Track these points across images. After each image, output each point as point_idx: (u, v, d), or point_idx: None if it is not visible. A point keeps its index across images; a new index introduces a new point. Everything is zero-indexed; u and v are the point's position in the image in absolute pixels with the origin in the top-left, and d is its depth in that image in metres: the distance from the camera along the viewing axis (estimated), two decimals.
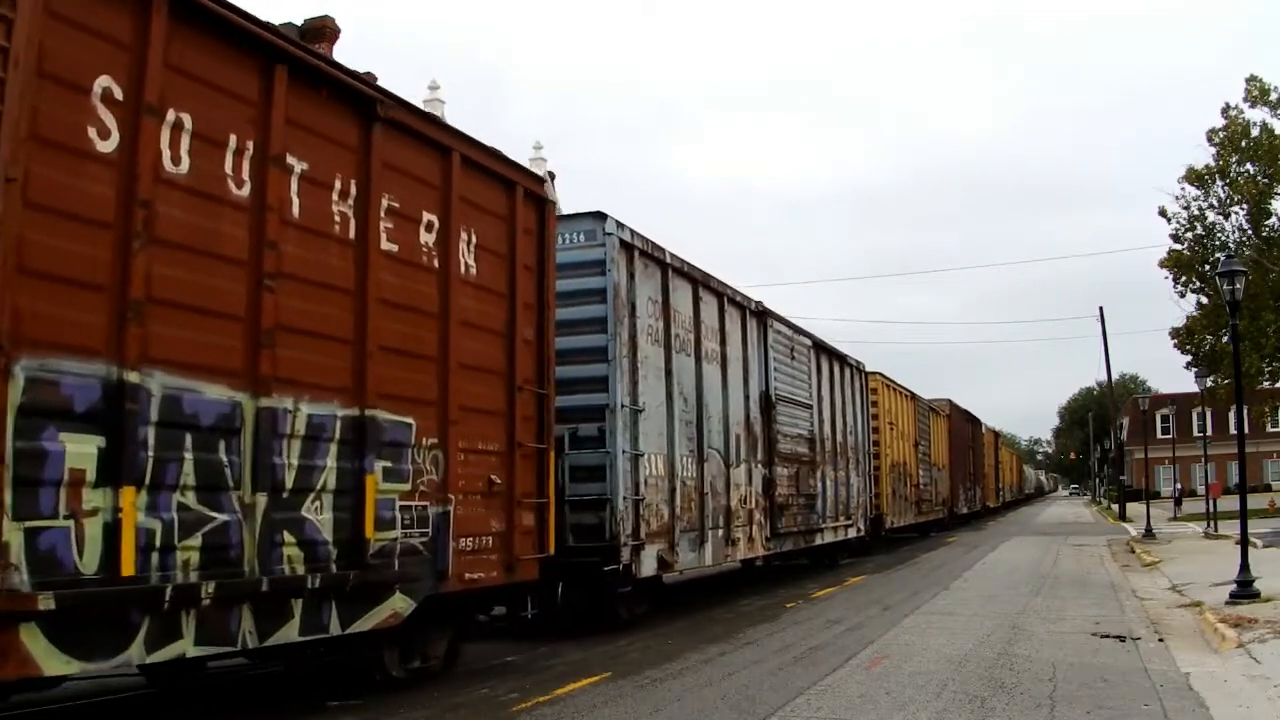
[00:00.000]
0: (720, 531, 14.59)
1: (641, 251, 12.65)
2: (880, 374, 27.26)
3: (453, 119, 31.33)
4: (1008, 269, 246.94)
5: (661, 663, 9.92)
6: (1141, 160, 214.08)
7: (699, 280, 14.53)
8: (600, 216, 12.11)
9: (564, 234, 11.78)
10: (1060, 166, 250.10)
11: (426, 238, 8.70)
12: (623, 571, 11.60)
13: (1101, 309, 47.43)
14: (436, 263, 8.78)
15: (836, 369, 21.89)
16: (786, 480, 17.57)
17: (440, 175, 8.91)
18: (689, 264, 14.16)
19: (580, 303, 11.82)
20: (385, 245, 8.11)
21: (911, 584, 18.00)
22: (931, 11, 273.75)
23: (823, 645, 10.84)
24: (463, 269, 9.12)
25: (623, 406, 11.84)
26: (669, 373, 13.20)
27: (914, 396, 31.63)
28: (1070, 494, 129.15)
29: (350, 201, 7.80)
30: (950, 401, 40.78)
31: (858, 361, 24.12)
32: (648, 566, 12.27)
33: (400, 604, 8.13)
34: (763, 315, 17.30)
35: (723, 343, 15.22)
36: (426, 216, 8.72)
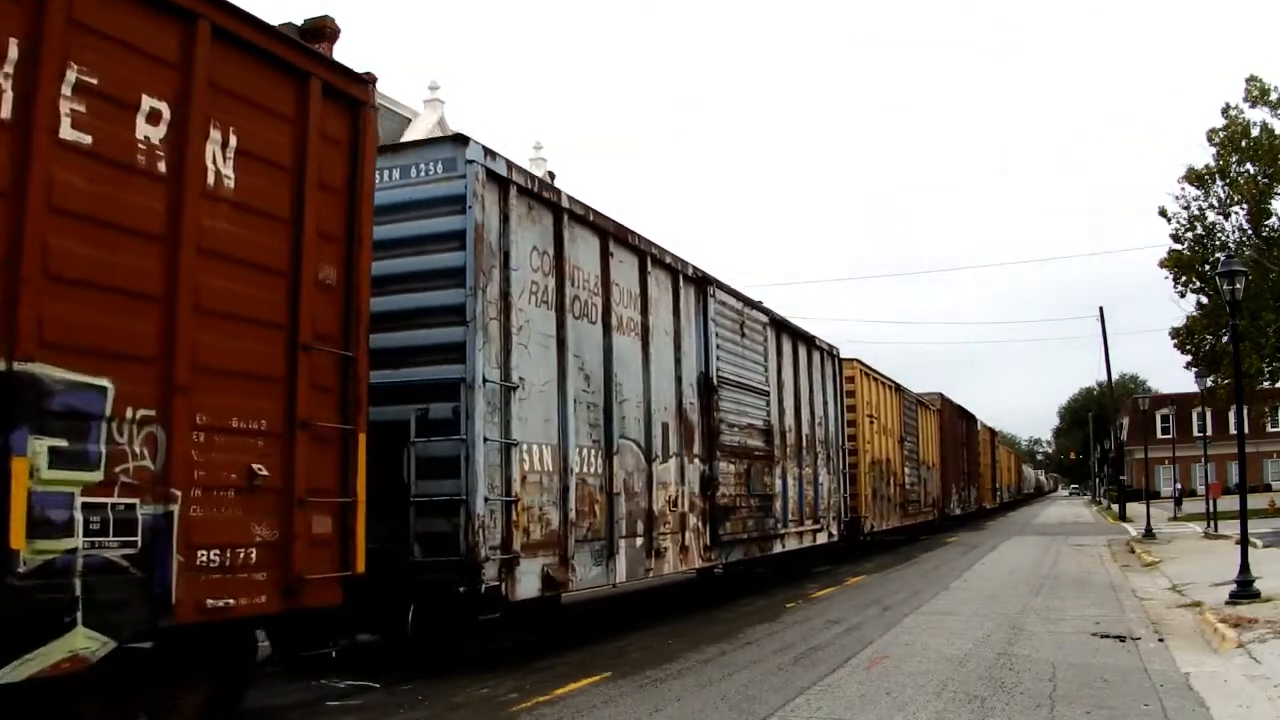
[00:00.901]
0: (639, 540, 11.89)
1: (522, 189, 9.96)
2: (858, 361, 24.72)
3: (453, 119, 30.92)
4: (1008, 269, 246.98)
5: (661, 663, 9.93)
6: (1142, 160, 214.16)
7: (610, 233, 11.67)
8: (461, 140, 9.60)
9: (417, 165, 9.65)
10: (1060, 166, 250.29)
11: (148, 131, 6.33)
12: (486, 593, 9.06)
13: (1101, 309, 47.40)
14: (164, 166, 6.41)
15: (803, 352, 19.20)
16: (734, 478, 14.86)
17: (178, 49, 6.55)
18: (596, 212, 11.45)
19: (433, 249, 9.37)
20: (68, 133, 5.80)
21: (911, 584, 18.00)
22: (930, 12, 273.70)
23: (822, 645, 10.84)
24: (211, 179, 6.70)
25: (486, 382, 9.16)
26: (562, 343, 10.48)
27: (899, 388, 29.08)
28: (1070, 494, 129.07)
29: (8, 67, 5.55)
30: (942, 395, 38.37)
31: (831, 346, 21.42)
32: (526, 586, 9.61)
33: (84, 643, 5.65)
34: (702, 283, 14.38)
35: (644, 311, 12.39)
36: (149, 103, 6.35)
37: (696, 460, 13.77)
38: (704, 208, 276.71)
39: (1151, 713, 7.51)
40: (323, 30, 18.48)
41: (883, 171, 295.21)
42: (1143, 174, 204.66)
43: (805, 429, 18.96)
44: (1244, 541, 14.55)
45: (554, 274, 10.54)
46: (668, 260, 13.38)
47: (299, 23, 18.46)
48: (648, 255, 12.68)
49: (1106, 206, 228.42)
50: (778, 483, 17.04)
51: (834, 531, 20.67)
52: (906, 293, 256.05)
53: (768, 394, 16.75)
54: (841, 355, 22.51)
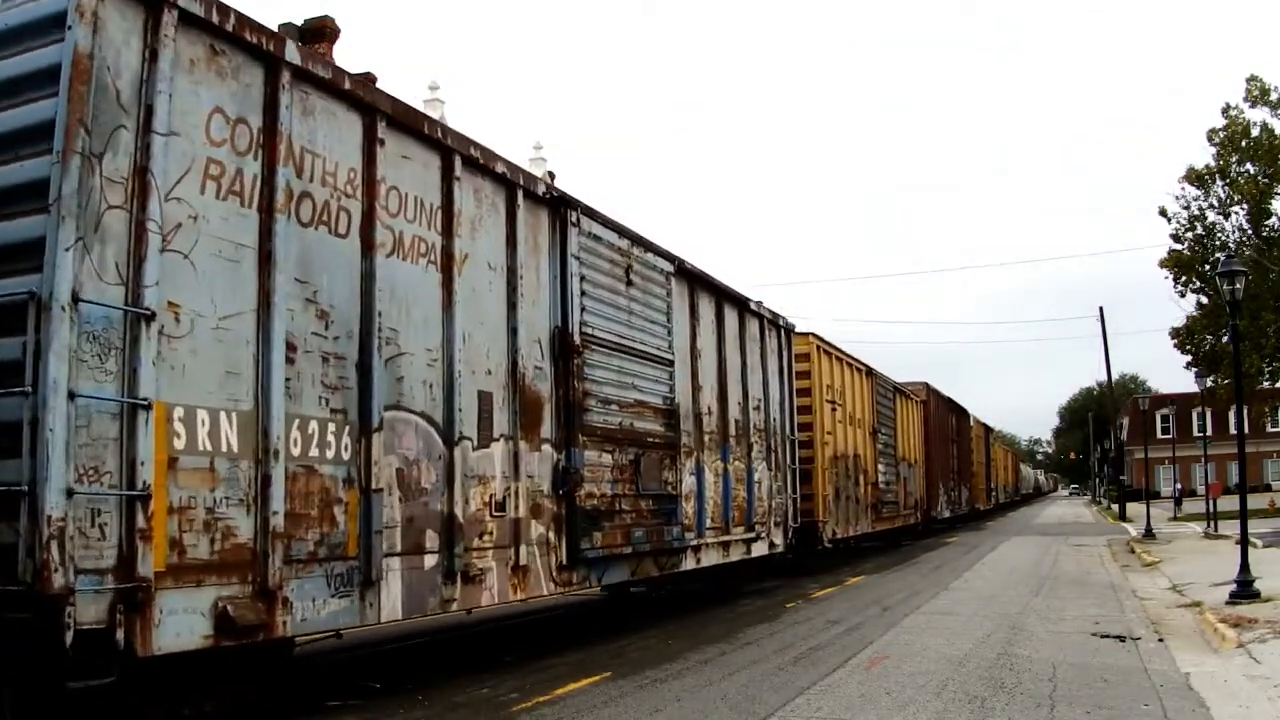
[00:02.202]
0: (429, 560, 8.31)
1: (192, 18, 6.56)
2: (815, 335, 20.72)
3: (453, 119, 31.01)
4: (1008, 269, 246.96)
5: (661, 662, 9.93)
6: (1142, 160, 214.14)
7: (383, 112, 8.15)
8: None
9: None
10: (1060, 166, 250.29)
11: None
12: (80, 644, 5.53)
13: (1101, 309, 47.45)
14: None
15: (732, 318, 15.51)
16: (611, 472, 11.22)
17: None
18: (358, 79, 8.21)
19: (16, 101, 6.06)
20: None
21: (911, 584, 18.00)
22: (930, 12, 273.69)
23: (822, 645, 10.84)
24: None
25: (82, 303, 5.76)
26: (267, 259, 7.03)
27: (871, 372, 25.26)
28: (1070, 494, 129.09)
29: None
30: (928, 385, 34.44)
31: (775, 314, 17.58)
32: (177, 632, 6.15)
33: None
34: (559, 206, 10.73)
35: (449, 233, 8.82)
36: None
37: (546, 446, 10.20)
38: (704, 208, 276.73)
39: (1151, 713, 7.50)
40: (323, 30, 18.52)
41: (883, 171, 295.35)
42: (1143, 174, 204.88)
43: (735, 413, 15.23)
44: (1244, 541, 14.54)
45: (260, 155, 7.08)
46: (498, 169, 9.62)
47: (299, 23, 18.49)
48: (457, 155, 8.94)
49: (1106, 206, 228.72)
50: (687, 479, 13.18)
51: (778, 540, 16.98)
52: (906, 293, 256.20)
53: (671, 364, 12.78)
54: (794, 328, 18.88)
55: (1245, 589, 13.28)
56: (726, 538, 14.65)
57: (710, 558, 14.12)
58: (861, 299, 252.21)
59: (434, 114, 32.36)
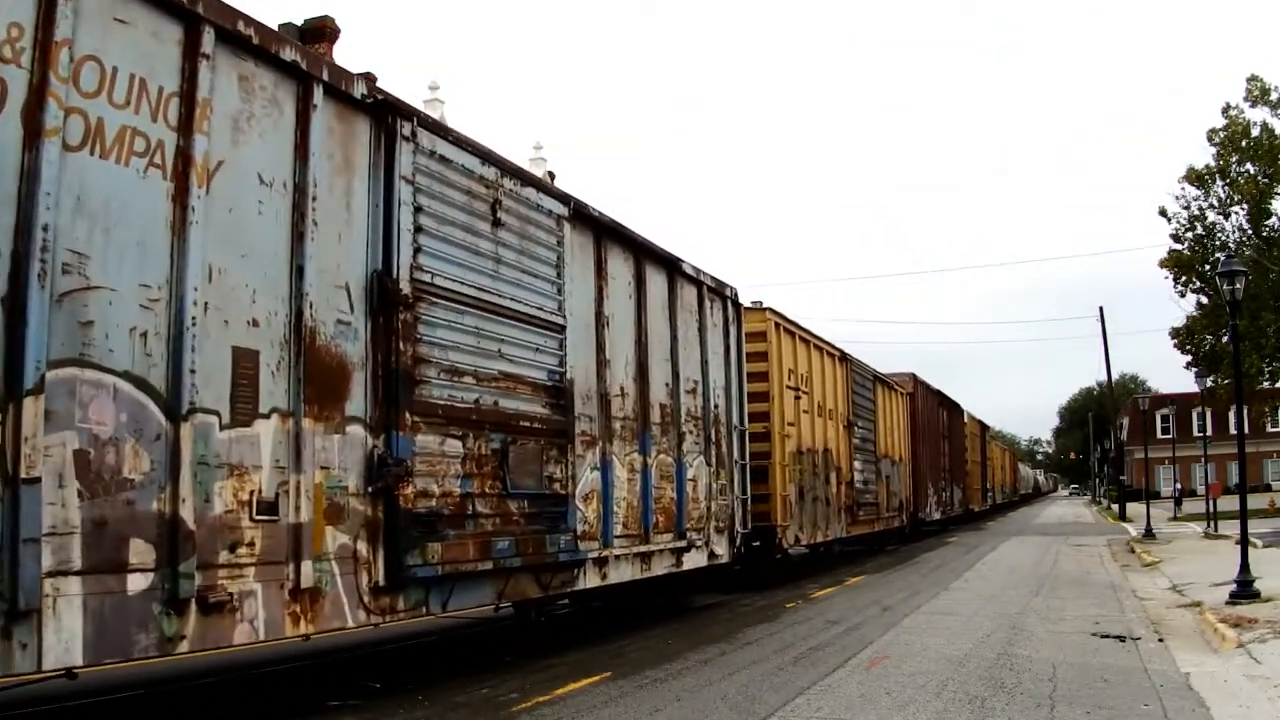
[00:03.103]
0: (134, 582, 5.91)
1: None
2: (774, 311, 17.87)
3: (453, 119, 31.06)
4: (1008, 269, 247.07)
5: (661, 662, 9.93)
6: (1142, 160, 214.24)
7: None
8: None
9: None
10: (1060, 166, 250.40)
11: None
12: None
13: (1101, 309, 47.53)
14: None
15: (656, 280, 12.81)
16: (460, 464, 8.62)
17: None
18: None
19: None
20: None
21: (911, 584, 18.00)
22: (930, 11, 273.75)
23: (822, 645, 10.84)
24: None
25: None
26: None
27: (846, 358, 22.47)
28: (1070, 494, 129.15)
29: None
30: (914, 376, 31.63)
31: (720, 282, 14.86)
32: None
33: None
34: (386, 114, 8.19)
35: (187, 129, 6.44)
36: None
37: (355, 428, 7.70)
38: (704, 208, 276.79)
39: (1151, 713, 7.51)
40: (323, 30, 18.52)
41: (883, 171, 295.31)
42: (1143, 174, 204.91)
43: (660, 396, 12.63)
44: (1244, 541, 14.55)
45: None
46: (285, 55, 7.21)
47: (299, 23, 18.50)
48: (208, 27, 6.56)
49: (1106, 206, 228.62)
50: (587, 476, 10.76)
51: (721, 550, 14.28)
52: (906, 293, 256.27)
53: (562, 330, 10.23)
54: (742, 300, 16.07)
55: (1245, 589, 13.29)
56: (646, 547, 11.93)
57: (622, 572, 11.45)
58: (861, 299, 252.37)
59: (434, 114, 32.36)
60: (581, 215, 11.05)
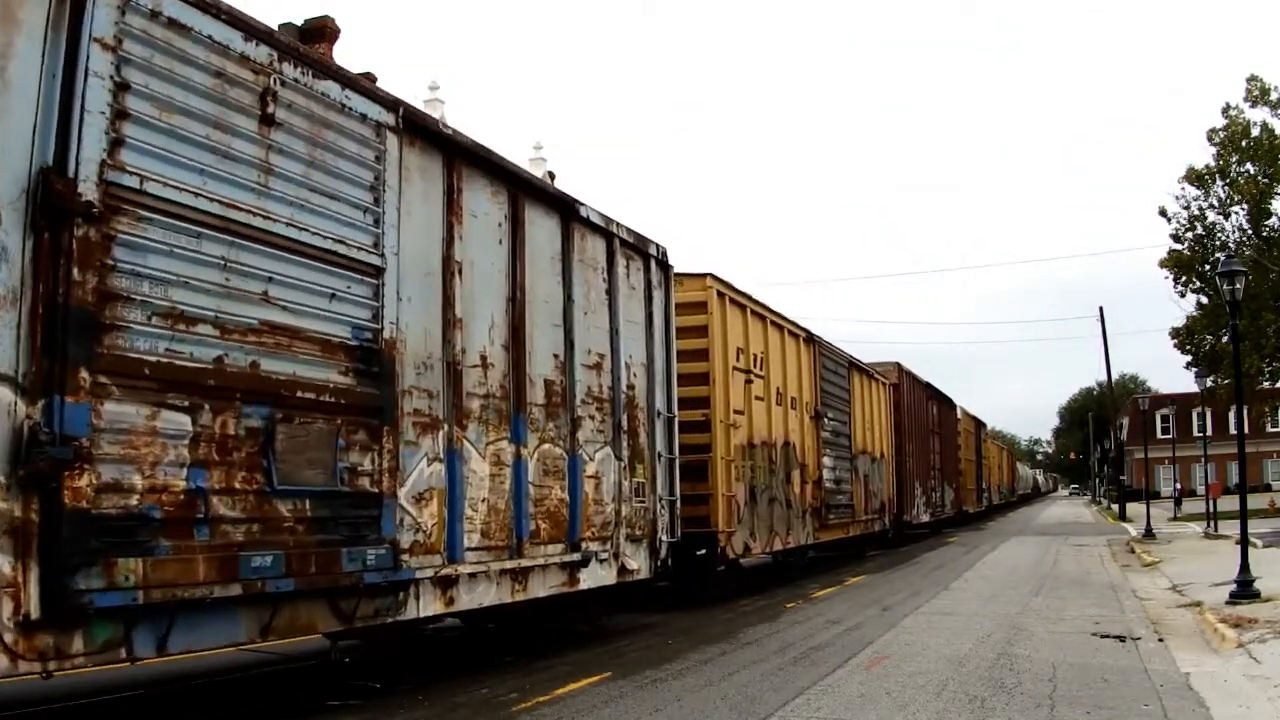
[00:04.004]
0: None
1: None
2: (716, 278, 15.06)
3: (453, 119, 31.23)
4: (1008, 269, 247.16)
5: (661, 663, 9.93)
6: (1142, 160, 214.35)
7: None
8: None
9: None
10: (1060, 166, 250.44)
11: None
12: None
13: (1101, 309, 47.59)
14: None
15: (542, 224, 10.29)
16: (189, 445, 6.30)
17: None
18: None
19: None
20: None
21: (911, 583, 18.00)
22: (930, 11, 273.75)
23: (822, 645, 10.84)
24: None
25: None
26: None
27: (813, 339, 19.72)
28: (1070, 494, 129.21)
29: None
30: (899, 366, 29.09)
31: (641, 237, 12.26)
32: None
33: None
34: None
35: None
36: None
37: None
38: (704, 208, 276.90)
39: (1151, 713, 7.51)
40: (323, 30, 18.52)
41: (883, 172, 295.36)
42: (1143, 174, 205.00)
43: (545, 370, 10.18)
44: (1244, 541, 14.55)
45: None
46: None
47: (299, 23, 18.51)
48: None
49: (1106, 206, 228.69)
50: (419, 469, 8.26)
51: (638, 562, 11.79)
52: (906, 293, 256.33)
53: (377, 275, 7.80)
54: (672, 264, 13.16)
55: (1245, 589, 13.29)
56: (519, 562, 9.41)
57: (481, 594, 8.95)
58: (861, 299, 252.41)
59: (434, 114, 32.34)
60: (420, 129, 8.50)
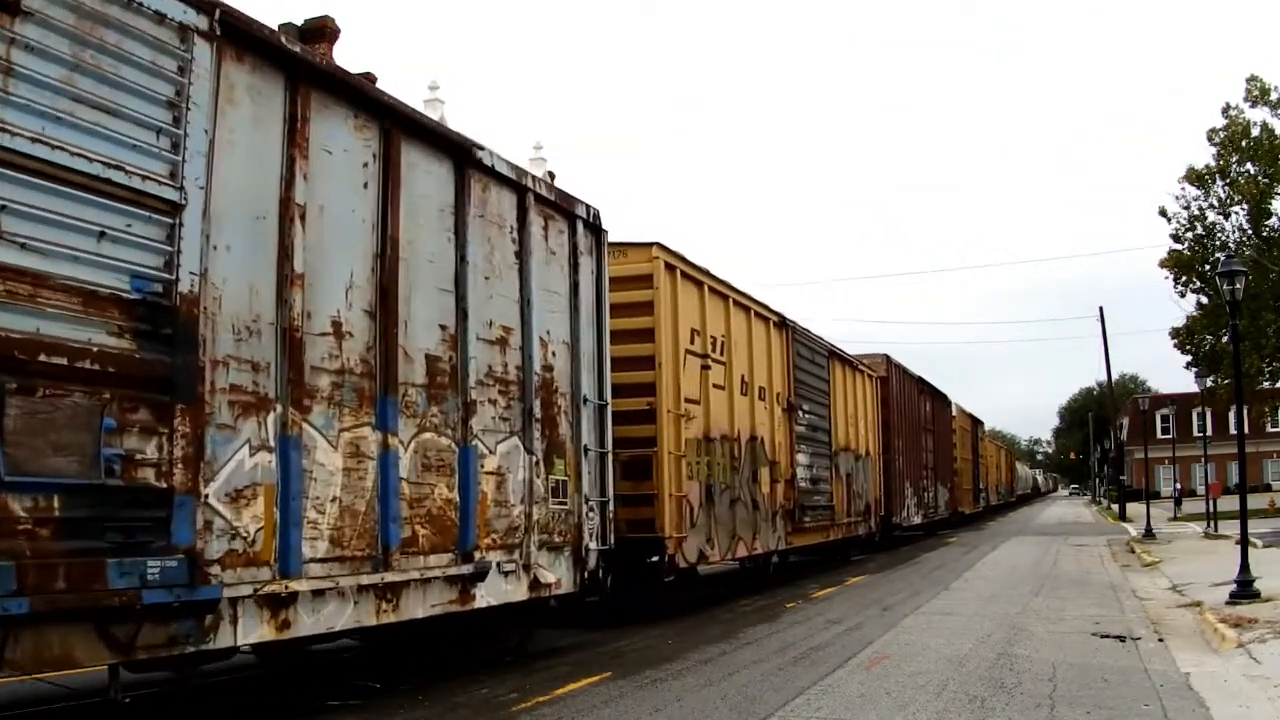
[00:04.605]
0: None
1: None
2: (664, 247, 13.24)
3: (453, 119, 31.06)
4: (1008, 269, 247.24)
5: (661, 663, 9.93)
6: (1142, 160, 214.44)
7: None
8: None
9: None
10: (1060, 166, 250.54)
11: None
12: None
13: (1101, 309, 47.59)
14: None
15: (430, 170, 8.77)
16: None
17: None
18: None
19: None
20: None
21: (911, 584, 18.00)
22: (930, 12, 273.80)
23: (823, 645, 10.84)
24: None
25: None
26: None
27: (785, 323, 17.95)
28: (1070, 494, 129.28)
29: None
30: (888, 358, 27.49)
31: (564, 195, 10.87)
32: None
33: None
34: None
35: None
36: None
37: None
38: (704, 208, 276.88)
39: (1151, 713, 7.51)
40: (323, 30, 18.51)
41: (883, 172, 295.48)
42: (1143, 174, 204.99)
43: (425, 343, 8.54)
44: (1244, 541, 14.55)
45: None
46: None
47: (299, 23, 18.51)
48: None
49: (1106, 206, 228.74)
50: (236, 459, 6.69)
51: (556, 575, 10.13)
52: (906, 293, 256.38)
53: (174, 211, 6.30)
54: (606, 229, 11.61)
55: (1245, 589, 13.29)
56: (387, 577, 7.76)
57: (332, 615, 7.32)
58: (861, 299, 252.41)
59: (434, 114, 32.34)
60: (252, 42, 6.95)
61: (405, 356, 8.29)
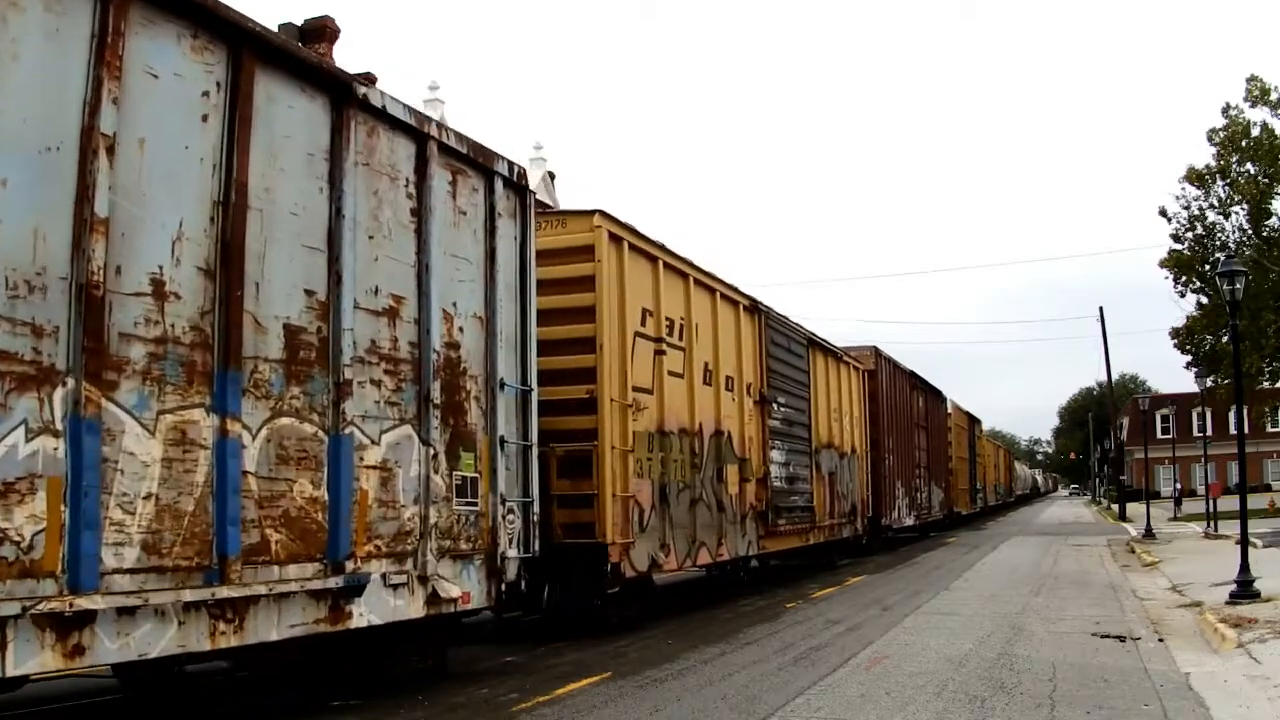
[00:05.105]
0: None
1: None
2: (609, 215, 11.83)
3: (453, 119, 31.17)
4: (1008, 269, 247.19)
5: (661, 663, 9.92)
6: (1142, 160, 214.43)
7: None
8: None
9: None
10: (1060, 166, 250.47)
11: None
12: None
13: (1101, 309, 47.63)
14: None
15: (290, 103, 7.43)
16: None
17: None
18: None
19: None
20: None
21: (912, 584, 17.99)
22: (931, 12, 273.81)
23: (823, 645, 10.84)
24: None
25: None
26: None
27: (757, 307, 16.63)
28: (1070, 494, 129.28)
29: None
30: (877, 351, 26.12)
31: (478, 147, 9.42)
32: None
33: None
34: None
35: None
36: None
37: None
38: (704, 208, 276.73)
39: (1152, 713, 7.51)
40: (323, 30, 18.52)
41: (883, 171, 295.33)
42: (1143, 174, 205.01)
43: (283, 308, 7.26)
44: (1244, 541, 14.55)
45: None
46: None
47: (299, 23, 18.51)
48: None
49: (1107, 206, 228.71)
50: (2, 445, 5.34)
51: (463, 589, 8.83)
52: (906, 293, 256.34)
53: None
54: (533, 190, 10.80)
55: (1245, 589, 13.29)
56: (220, 592, 6.47)
57: (149, 639, 6.07)
58: (861, 299, 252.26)
59: (434, 114, 32.38)
60: None
61: (255, 325, 6.96)
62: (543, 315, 10.60)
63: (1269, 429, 69.76)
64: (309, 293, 7.41)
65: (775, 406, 17.14)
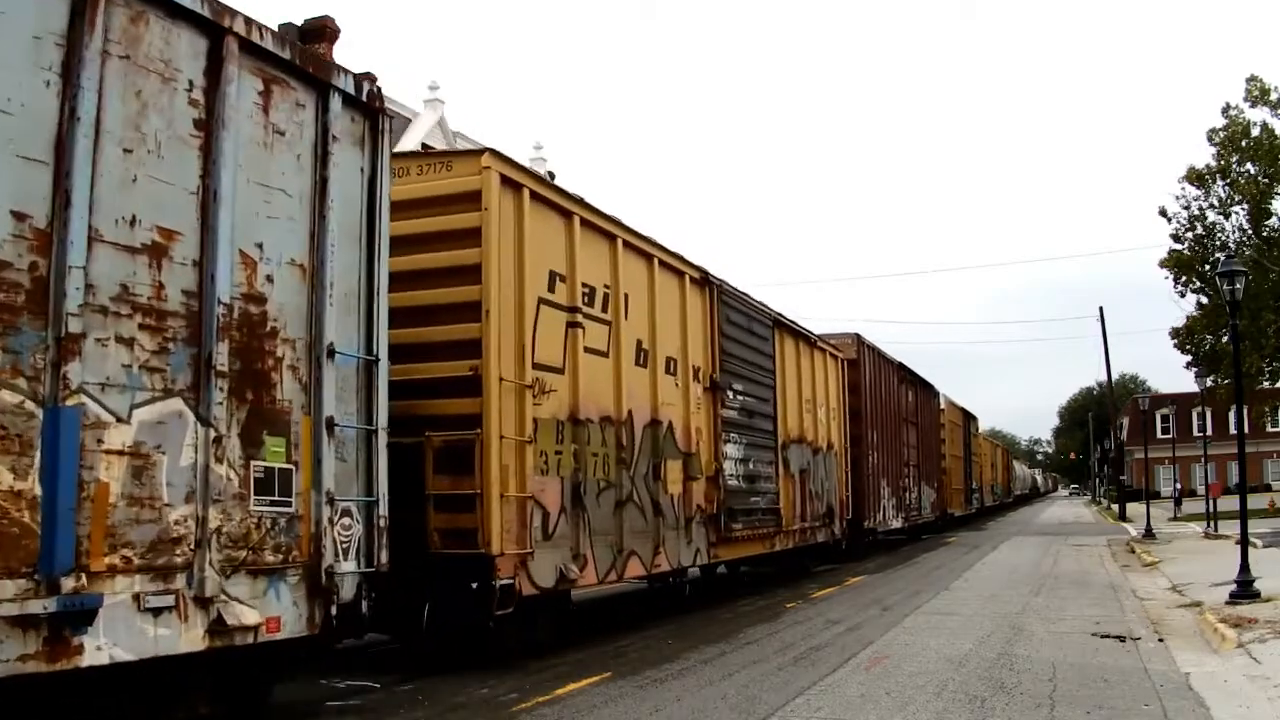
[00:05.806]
0: None
1: None
2: (502, 156, 9.94)
3: (453, 119, 31.00)
4: (1008, 269, 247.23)
5: (661, 663, 9.92)
6: (1142, 160, 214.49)
7: None
8: None
9: None
10: (1060, 166, 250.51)
11: None
12: None
13: (1101, 309, 47.65)
14: None
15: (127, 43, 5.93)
16: None
17: None
18: None
19: None
20: None
21: (912, 584, 17.99)
22: (931, 12, 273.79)
23: (822, 645, 10.84)
24: None
25: None
26: None
27: (709, 280, 14.51)
28: (1070, 494, 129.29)
29: None
30: (859, 338, 23.68)
31: (305, 53, 7.61)
32: None
33: None
34: None
35: None
36: None
37: None
38: (704, 208, 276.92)
39: (1152, 713, 7.51)
40: (323, 30, 18.49)
41: (883, 171, 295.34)
42: (1143, 174, 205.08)
43: None
44: (1244, 541, 14.55)
45: None
46: None
47: (299, 23, 18.49)
48: None
49: (1107, 206, 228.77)
50: None
51: (279, 612, 6.82)
52: (906, 293, 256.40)
53: None
54: (390, 113, 8.62)
55: (1245, 589, 13.29)
56: None
57: None
58: (861, 299, 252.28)
59: (434, 114, 32.23)
60: None
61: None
62: (420, 276, 9.22)
63: (1269, 429, 69.75)
64: (19, 216, 5.42)
65: (731, 394, 14.95)
